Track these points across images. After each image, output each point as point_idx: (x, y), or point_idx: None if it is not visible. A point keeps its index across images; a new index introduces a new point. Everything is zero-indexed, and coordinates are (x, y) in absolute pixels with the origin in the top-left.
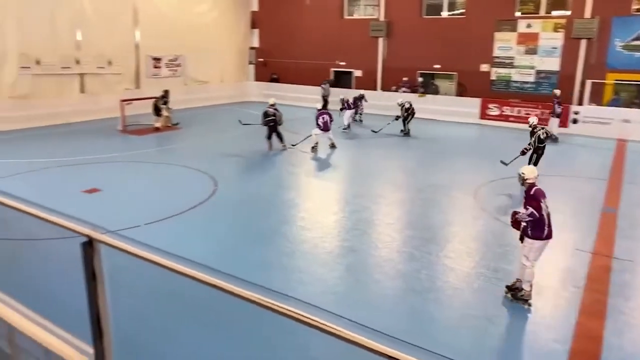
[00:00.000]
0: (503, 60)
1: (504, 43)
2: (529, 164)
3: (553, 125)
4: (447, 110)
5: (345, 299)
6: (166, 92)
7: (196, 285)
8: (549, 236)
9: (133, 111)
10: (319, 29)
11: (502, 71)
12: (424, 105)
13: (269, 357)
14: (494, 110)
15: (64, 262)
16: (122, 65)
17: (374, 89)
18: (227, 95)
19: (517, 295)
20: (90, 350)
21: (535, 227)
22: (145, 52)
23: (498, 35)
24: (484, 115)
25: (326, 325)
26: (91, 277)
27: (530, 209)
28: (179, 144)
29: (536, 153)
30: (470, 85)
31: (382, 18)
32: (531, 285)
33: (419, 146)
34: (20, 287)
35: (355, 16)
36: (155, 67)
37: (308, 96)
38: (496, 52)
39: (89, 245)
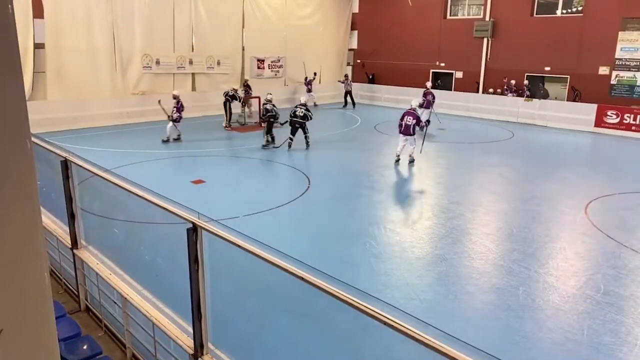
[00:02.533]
0: (627, 63)
1: (630, 44)
2: (294, 134)
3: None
4: (557, 116)
5: (434, 307)
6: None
7: (286, 277)
8: (401, 132)
9: (237, 109)
10: (420, 30)
11: (625, 74)
12: (531, 110)
13: (351, 352)
14: (612, 118)
15: (173, 244)
16: (229, 66)
17: (476, 91)
18: (324, 96)
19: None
20: (190, 329)
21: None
22: (250, 54)
23: (623, 34)
24: (600, 123)
25: (411, 330)
26: (194, 260)
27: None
28: (276, 142)
29: (299, 127)
30: (585, 89)
31: (487, 18)
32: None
33: (525, 154)
34: (135, 264)
35: (459, 16)
36: (259, 67)
37: (406, 98)
38: (619, 54)
39: (194, 232)
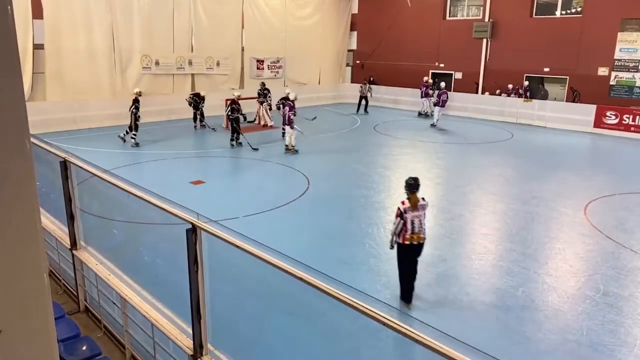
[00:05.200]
0: (626, 64)
1: (629, 44)
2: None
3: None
4: (556, 117)
5: (433, 308)
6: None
7: (286, 277)
8: (440, 106)
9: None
10: (419, 31)
11: (625, 75)
12: (530, 111)
13: (352, 352)
14: (611, 119)
15: (172, 245)
16: (228, 67)
17: (475, 92)
18: (324, 96)
19: None
20: (189, 329)
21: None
22: (250, 55)
23: (622, 35)
24: (599, 124)
25: (411, 331)
26: (193, 261)
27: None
28: (276, 143)
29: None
30: (584, 90)
31: (487, 18)
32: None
33: (524, 154)
34: (134, 265)
35: (459, 17)
36: (259, 68)
37: (406, 99)
38: (618, 55)
39: (193, 232)
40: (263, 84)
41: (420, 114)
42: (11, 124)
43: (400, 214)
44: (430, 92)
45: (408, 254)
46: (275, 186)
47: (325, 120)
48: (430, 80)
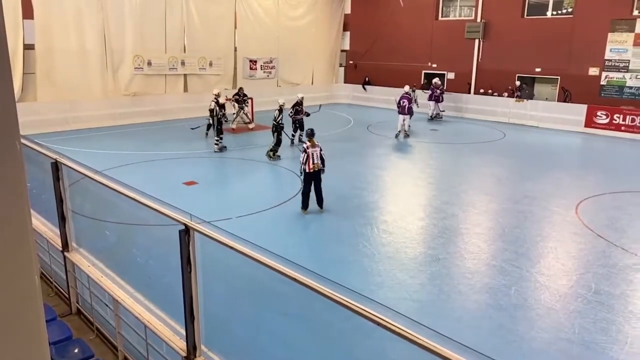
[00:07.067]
0: (616, 64)
1: (619, 45)
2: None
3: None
4: (547, 116)
5: (426, 307)
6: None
7: (278, 277)
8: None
9: (229, 110)
10: (412, 31)
11: (615, 75)
12: (522, 111)
13: (345, 352)
14: (602, 118)
15: (165, 246)
16: (221, 67)
17: (467, 92)
18: (317, 97)
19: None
20: (182, 331)
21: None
22: (243, 55)
23: (612, 36)
24: (590, 123)
25: (404, 330)
26: (186, 262)
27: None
28: (269, 143)
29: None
30: (575, 90)
31: (479, 19)
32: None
33: (516, 154)
34: (127, 266)
35: (451, 17)
36: (252, 68)
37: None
38: (608, 55)
39: (186, 233)
40: (241, 89)
41: (431, 118)
42: (1, 125)
43: (305, 150)
44: (439, 93)
45: (311, 178)
46: (269, 187)
47: (319, 120)
48: (438, 81)
